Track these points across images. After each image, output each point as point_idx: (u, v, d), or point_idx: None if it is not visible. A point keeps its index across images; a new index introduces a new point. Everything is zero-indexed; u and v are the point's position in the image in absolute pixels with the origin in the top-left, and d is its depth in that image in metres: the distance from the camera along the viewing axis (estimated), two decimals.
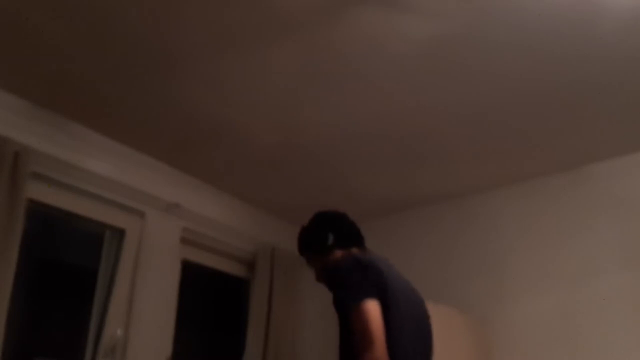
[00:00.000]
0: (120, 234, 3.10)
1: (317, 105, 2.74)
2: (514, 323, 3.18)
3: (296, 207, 3.83)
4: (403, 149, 3.12)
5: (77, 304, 3.03)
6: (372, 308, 1.66)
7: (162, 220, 3.26)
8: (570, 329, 3.00)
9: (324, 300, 1.99)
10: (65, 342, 2.93)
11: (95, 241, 3.08)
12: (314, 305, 3.78)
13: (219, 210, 3.61)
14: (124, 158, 3.11)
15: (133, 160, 3.15)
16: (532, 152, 3.13)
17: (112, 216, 3.07)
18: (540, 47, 2.31)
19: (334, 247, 1.95)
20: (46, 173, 2.76)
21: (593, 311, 2.96)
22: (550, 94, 2.62)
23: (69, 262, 3.11)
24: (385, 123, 2.88)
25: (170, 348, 3.17)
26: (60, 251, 3.07)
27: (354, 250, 1.96)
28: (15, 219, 2.50)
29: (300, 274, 3.85)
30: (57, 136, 2.82)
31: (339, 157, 3.21)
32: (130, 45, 2.34)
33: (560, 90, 2.59)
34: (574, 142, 3.02)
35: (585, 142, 3.02)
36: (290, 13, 2.15)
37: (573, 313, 3.02)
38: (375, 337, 1.62)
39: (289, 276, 3.80)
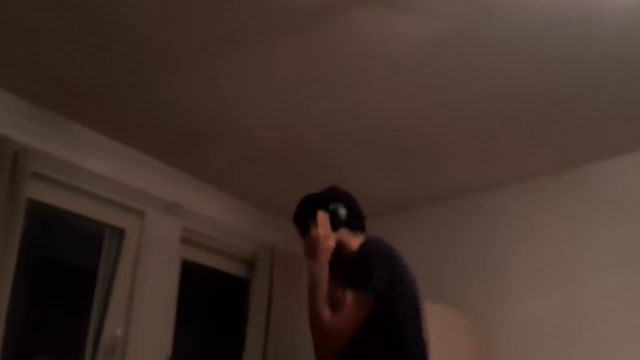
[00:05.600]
0: (120, 233, 3.09)
1: (317, 105, 2.74)
2: (514, 323, 3.18)
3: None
4: (403, 149, 3.12)
5: (77, 304, 3.03)
6: (368, 302, 1.65)
7: (162, 220, 3.26)
8: (570, 328, 3.00)
9: None
10: (65, 342, 2.93)
11: (95, 241, 3.08)
12: None
13: (219, 210, 3.61)
14: (124, 158, 3.11)
15: (133, 160, 3.15)
16: (532, 152, 3.13)
17: (112, 216, 3.07)
18: (539, 47, 2.31)
19: (343, 225, 1.86)
20: (46, 173, 2.76)
21: (593, 311, 2.96)
22: (550, 94, 2.62)
23: (69, 262, 3.11)
24: (385, 123, 2.88)
25: (170, 348, 3.17)
26: (60, 251, 3.07)
27: (360, 236, 1.89)
28: (15, 219, 2.50)
29: (300, 274, 3.85)
30: (57, 136, 2.82)
31: (339, 157, 3.21)
32: (131, 46, 2.34)
33: (560, 90, 2.59)
34: (574, 142, 3.02)
35: (585, 142, 3.02)
36: (290, 13, 2.15)
37: (573, 313, 3.02)
38: (345, 327, 1.63)
39: (289, 276, 3.80)
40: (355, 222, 1.91)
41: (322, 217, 1.83)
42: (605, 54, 2.34)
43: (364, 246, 1.79)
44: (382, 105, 2.73)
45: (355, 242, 1.85)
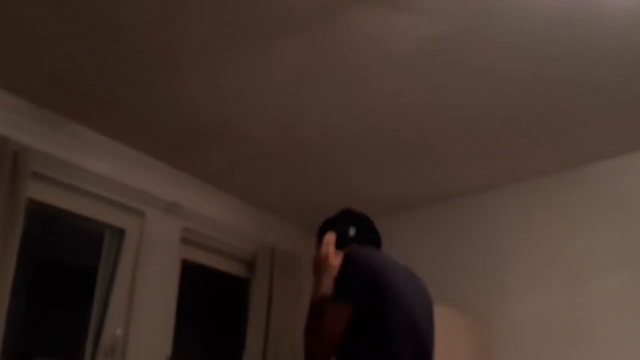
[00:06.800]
0: (120, 233, 3.10)
1: (317, 105, 2.74)
2: (514, 323, 3.18)
3: (296, 207, 3.84)
4: (403, 149, 3.12)
5: (77, 304, 3.03)
6: (344, 312, 1.68)
7: (162, 220, 3.26)
8: (570, 328, 3.00)
9: None
10: (65, 342, 2.93)
11: (95, 241, 3.08)
12: None
13: (219, 210, 3.61)
14: (124, 158, 3.11)
15: (133, 160, 3.15)
16: (532, 152, 3.13)
17: (112, 216, 3.07)
18: (539, 47, 2.31)
19: (352, 241, 1.93)
20: (46, 173, 2.76)
21: (593, 311, 2.96)
22: (550, 94, 2.62)
23: (69, 262, 3.11)
24: (385, 123, 2.88)
25: (170, 348, 3.17)
26: (60, 251, 3.07)
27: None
28: (15, 219, 2.50)
29: (300, 274, 3.85)
30: (57, 136, 2.82)
31: (339, 157, 3.21)
32: (131, 45, 2.34)
33: (560, 90, 2.59)
34: (574, 142, 3.02)
35: (585, 142, 3.02)
36: (290, 13, 2.15)
37: (573, 313, 3.02)
38: (329, 339, 1.68)
39: (289, 276, 3.80)
40: (366, 239, 1.96)
41: (328, 237, 1.91)
42: (605, 54, 2.34)
43: (344, 258, 1.82)
44: (382, 105, 2.73)
45: None
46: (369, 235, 1.99)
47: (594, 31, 2.22)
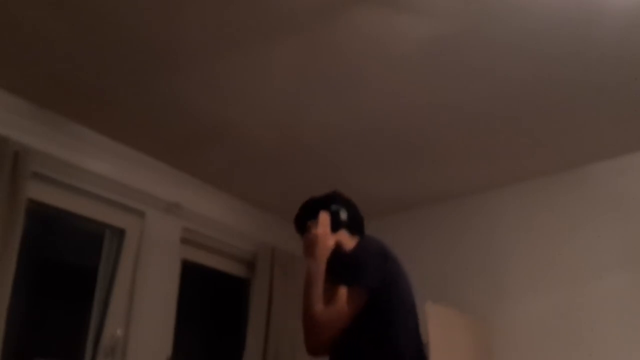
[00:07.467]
0: (120, 233, 3.09)
1: (317, 105, 2.74)
2: (514, 323, 3.18)
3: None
4: (403, 149, 3.12)
5: (77, 304, 3.03)
6: (362, 297, 1.67)
7: (162, 220, 3.26)
8: (570, 328, 3.00)
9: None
10: (65, 342, 2.93)
11: (95, 241, 3.08)
12: None
13: (219, 210, 3.61)
14: (124, 158, 3.11)
15: (133, 160, 3.15)
16: (532, 152, 3.13)
17: (112, 216, 3.07)
18: (539, 47, 2.31)
19: (343, 227, 1.89)
20: (46, 173, 2.76)
21: (593, 311, 2.96)
22: (550, 94, 2.62)
23: (69, 262, 3.11)
24: (385, 123, 2.88)
25: (170, 348, 3.17)
26: (60, 251, 3.07)
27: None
28: (15, 219, 2.50)
29: (300, 274, 3.85)
30: (57, 136, 2.82)
31: (339, 157, 3.21)
32: (131, 45, 2.34)
33: (560, 90, 2.59)
34: (574, 142, 3.02)
35: (585, 142, 3.02)
36: (290, 13, 2.15)
37: (573, 313, 3.02)
38: (337, 319, 1.66)
39: (289, 276, 3.79)
40: (355, 226, 1.93)
41: (323, 217, 1.87)
42: (605, 54, 2.34)
43: (359, 243, 1.83)
44: (382, 105, 2.73)
45: (352, 244, 1.87)
46: (358, 220, 1.95)
47: (594, 31, 2.22)
